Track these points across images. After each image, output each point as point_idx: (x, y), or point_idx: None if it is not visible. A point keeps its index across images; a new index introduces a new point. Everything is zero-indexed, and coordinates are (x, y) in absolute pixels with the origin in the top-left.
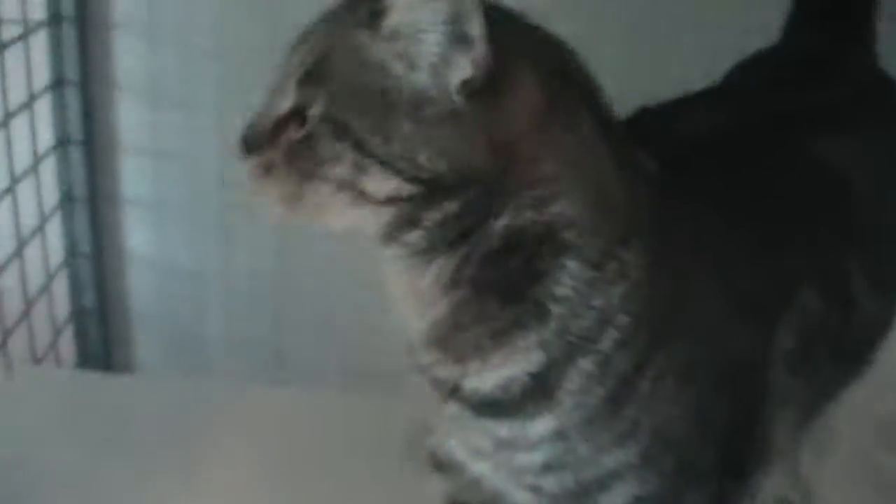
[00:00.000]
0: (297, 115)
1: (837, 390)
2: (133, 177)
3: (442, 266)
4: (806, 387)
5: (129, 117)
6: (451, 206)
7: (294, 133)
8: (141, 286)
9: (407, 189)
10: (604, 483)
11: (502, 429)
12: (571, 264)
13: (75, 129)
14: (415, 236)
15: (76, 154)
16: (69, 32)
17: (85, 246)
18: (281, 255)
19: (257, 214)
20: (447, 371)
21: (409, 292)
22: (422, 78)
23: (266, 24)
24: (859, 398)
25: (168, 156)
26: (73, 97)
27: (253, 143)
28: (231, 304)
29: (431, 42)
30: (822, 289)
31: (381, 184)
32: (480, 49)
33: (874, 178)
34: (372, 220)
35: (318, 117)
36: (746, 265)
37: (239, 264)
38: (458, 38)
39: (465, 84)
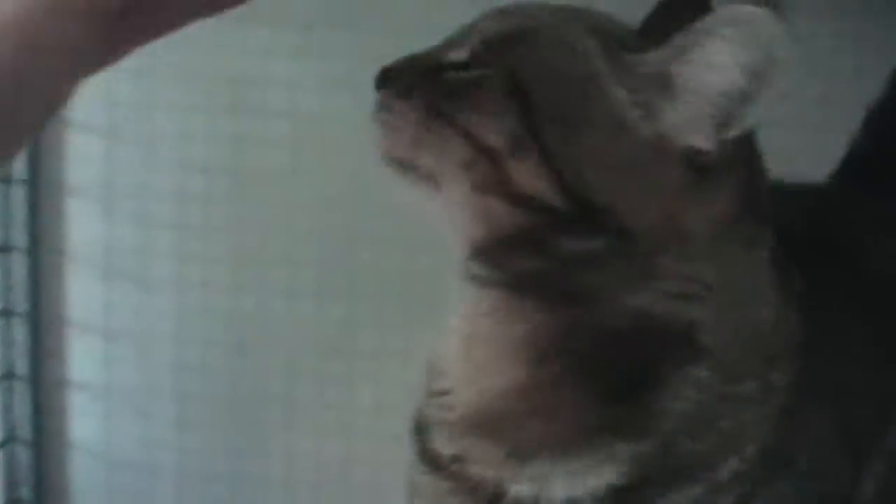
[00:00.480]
0: (464, 67)
1: None
2: (81, 357)
3: (543, 320)
4: None
5: (79, 290)
6: (591, 245)
7: (454, 74)
8: (84, 478)
9: (557, 200)
10: None
11: None
12: (703, 374)
13: (20, 299)
14: (532, 263)
15: (19, 327)
16: (18, 195)
17: (24, 431)
18: (239, 451)
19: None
20: (492, 469)
21: (475, 344)
22: (652, 126)
23: (229, 193)
24: None
25: (120, 336)
26: (19, 264)
27: (398, 74)
28: (184, 502)
29: (700, 105)
30: None
31: (532, 176)
32: (735, 133)
33: None
34: (492, 215)
35: (500, 72)
36: (859, 398)
37: (193, 459)
38: (728, 117)
39: (695, 153)
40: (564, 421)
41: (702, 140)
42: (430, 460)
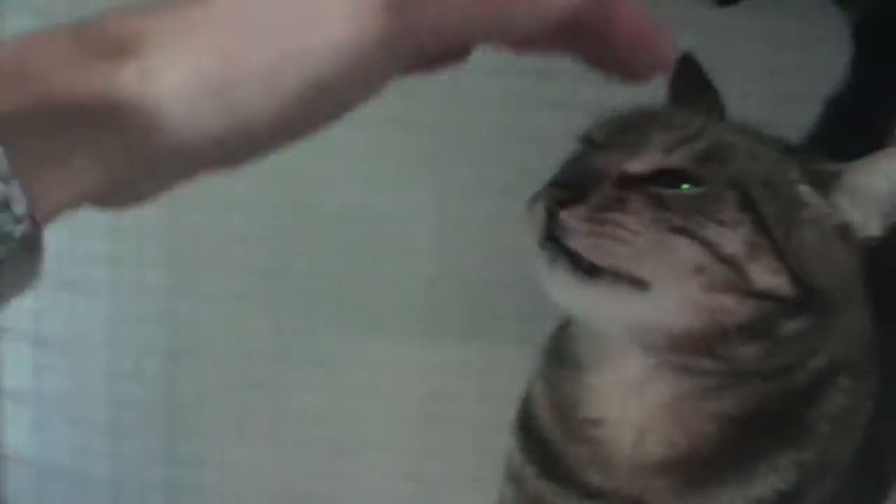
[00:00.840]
0: (670, 180)
1: None
2: (10, 364)
3: (744, 393)
4: None
5: None
6: (807, 324)
7: (671, 189)
8: (15, 487)
9: (789, 289)
10: None
11: None
12: (846, 381)
13: None
14: (753, 349)
15: None
16: None
17: None
18: (175, 459)
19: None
20: (665, 498)
21: (660, 413)
22: (839, 217)
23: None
24: None
25: (51, 341)
26: None
27: (581, 188)
28: None
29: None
30: None
31: (769, 273)
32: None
33: None
34: (723, 311)
35: (724, 182)
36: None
37: (128, 466)
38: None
39: (868, 239)
40: (735, 453)
41: (875, 229)
42: (571, 484)
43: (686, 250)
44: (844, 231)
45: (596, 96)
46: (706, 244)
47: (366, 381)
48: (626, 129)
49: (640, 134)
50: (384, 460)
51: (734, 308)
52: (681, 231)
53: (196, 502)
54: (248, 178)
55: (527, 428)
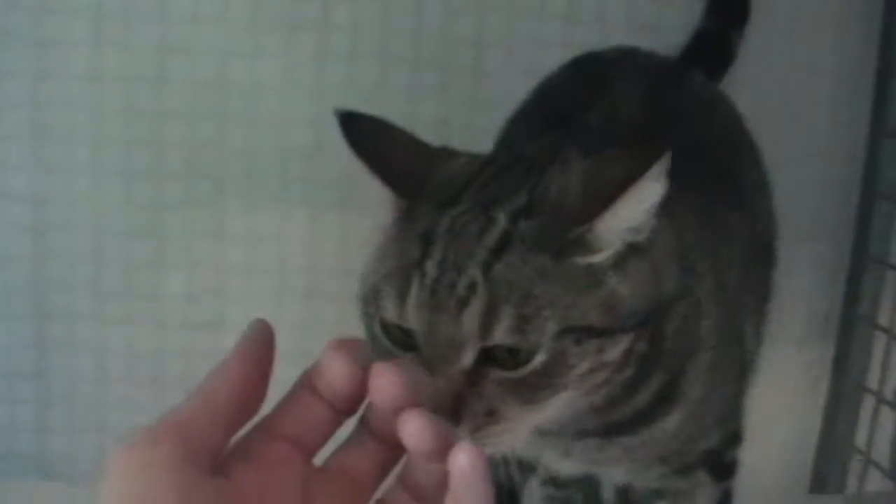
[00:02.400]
0: (490, 358)
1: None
2: None
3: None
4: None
5: None
6: (652, 330)
7: (512, 372)
8: None
9: (632, 337)
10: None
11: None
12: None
13: None
14: (626, 372)
15: None
16: None
17: None
18: (46, 345)
19: None
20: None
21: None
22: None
23: None
24: None
25: None
26: None
27: (455, 409)
28: None
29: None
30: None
31: (618, 348)
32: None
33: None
34: (605, 382)
35: (552, 339)
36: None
37: None
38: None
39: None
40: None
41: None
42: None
43: (556, 401)
44: (630, 252)
45: None
46: (571, 382)
47: (248, 255)
48: (432, 324)
49: (445, 324)
50: None
51: (610, 377)
52: (547, 398)
53: (69, 389)
54: (120, 48)
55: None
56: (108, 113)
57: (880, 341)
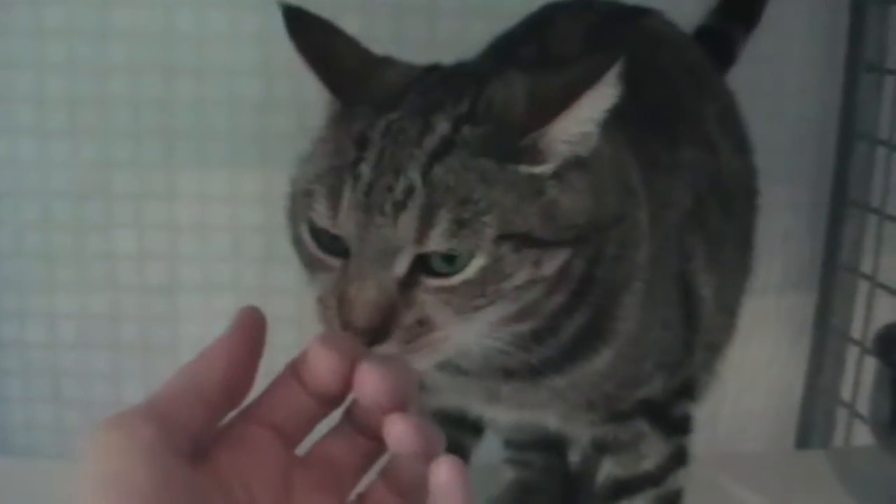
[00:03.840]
0: (424, 266)
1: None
2: None
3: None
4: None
5: None
6: (590, 251)
7: (447, 280)
8: None
9: (570, 253)
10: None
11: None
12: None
13: None
14: (561, 295)
15: None
16: None
17: None
18: None
19: None
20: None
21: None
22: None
23: None
24: None
25: None
26: None
27: (381, 318)
28: None
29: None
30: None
31: (555, 261)
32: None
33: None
34: (537, 299)
35: (491, 243)
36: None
37: None
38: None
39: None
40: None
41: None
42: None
43: (494, 310)
44: (573, 165)
45: None
46: (507, 292)
47: (199, 214)
48: (365, 227)
49: (380, 228)
50: (227, 299)
51: (544, 294)
52: (481, 307)
53: (21, 358)
54: (61, 1)
55: None
56: (50, 68)
57: (863, 289)
